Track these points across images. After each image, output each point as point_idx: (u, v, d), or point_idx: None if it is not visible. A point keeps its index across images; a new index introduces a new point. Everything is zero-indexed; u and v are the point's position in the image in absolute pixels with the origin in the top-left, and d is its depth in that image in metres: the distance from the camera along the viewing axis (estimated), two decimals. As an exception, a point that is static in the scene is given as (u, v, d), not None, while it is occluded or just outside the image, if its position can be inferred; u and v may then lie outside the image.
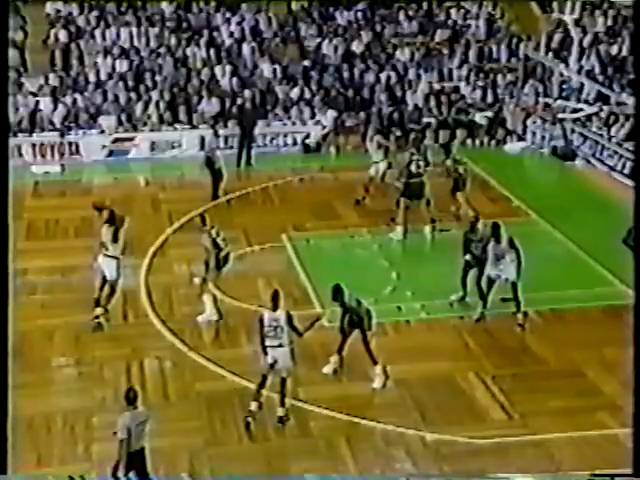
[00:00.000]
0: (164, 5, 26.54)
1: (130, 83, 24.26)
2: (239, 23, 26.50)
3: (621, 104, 23.41)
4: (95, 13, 26.00)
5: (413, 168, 17.11)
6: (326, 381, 12.14)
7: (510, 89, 25.58)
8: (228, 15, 26.73)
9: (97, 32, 25.48)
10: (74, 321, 13.62)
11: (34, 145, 22.41)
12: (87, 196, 18.95)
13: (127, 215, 14.04)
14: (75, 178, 21.53)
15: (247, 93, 24.16)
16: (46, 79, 23.93)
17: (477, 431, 10.95)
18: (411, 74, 25.74)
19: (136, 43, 25.53)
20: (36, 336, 13.24)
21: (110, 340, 13.26)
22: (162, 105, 23.60)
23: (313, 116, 24.16)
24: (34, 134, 22.57)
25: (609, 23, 27.86)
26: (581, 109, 24.00)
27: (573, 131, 23.42)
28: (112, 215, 13.63)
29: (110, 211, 13.70)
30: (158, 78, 24.44)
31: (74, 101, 23.47)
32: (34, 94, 23.46)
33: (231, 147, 22.71)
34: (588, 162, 22.49)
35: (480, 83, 25.73)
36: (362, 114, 24.18)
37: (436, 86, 25.56)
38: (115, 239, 13.43)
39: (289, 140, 23.83)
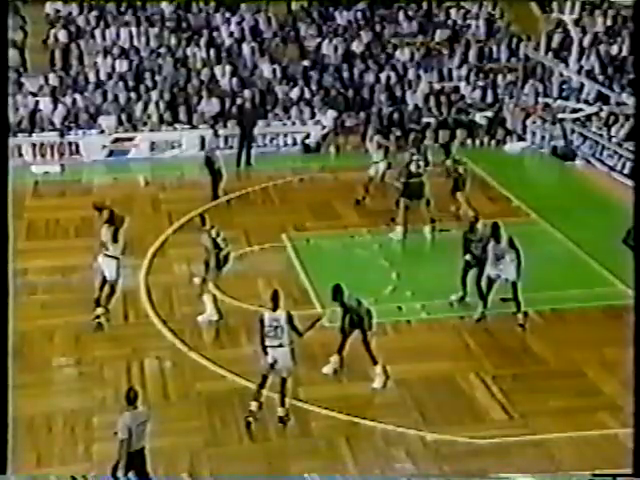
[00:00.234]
0: (164, 5, 26.54)
1: (130, 83, 24.26)
2: (239, 23, 26.50)
3: (621, 104, 23.41)
4: (95, 13, 25.99)
5: (413, 168, 17.11)
6: (326, 381, 12.14)
7: (510, 89, 25.56)
8: (228, 15, 26.73)
9: (97, 32, 25.49)
10: (74, 321, 13.62)
11: (34, 145, 22.41)
12: (87, 196, 18.96)
13: (127, 215, 14.05)
14: (75, 178, 21.52)
15: (247, 93, 24.17)
16: (46, 79, 23.93)
17: (477, 431, 10.95)
18: (411, 74, 25.73)
19: (136, 43, 25.53)
20: (36, 336, 13.23)
21: (110, 340, 13.27)
22: (162, 105, 23.61)
23: (313, 116, 24.16)
24: (34, 134, 22.58)
25: (609, 23, 27.86)
26: (581, 109, 24.01)
27: (573, 131, 23.42)
28: (112, 215, 13.63)
29: (110, 211, 13.70)
30: (158, 78, 24.44)
31: (74, 101, 23.48)
32: (34, 94, 23.45)
33: (231, 147, 22.71)
34: (588, 162, 22.48)
35: (480, 83, 25.74)
36: (362, 114, 24.19)
37: (436, 86, 25.56)
38: (115, 239, 13.42)
39: (289, 140, 23.82)
